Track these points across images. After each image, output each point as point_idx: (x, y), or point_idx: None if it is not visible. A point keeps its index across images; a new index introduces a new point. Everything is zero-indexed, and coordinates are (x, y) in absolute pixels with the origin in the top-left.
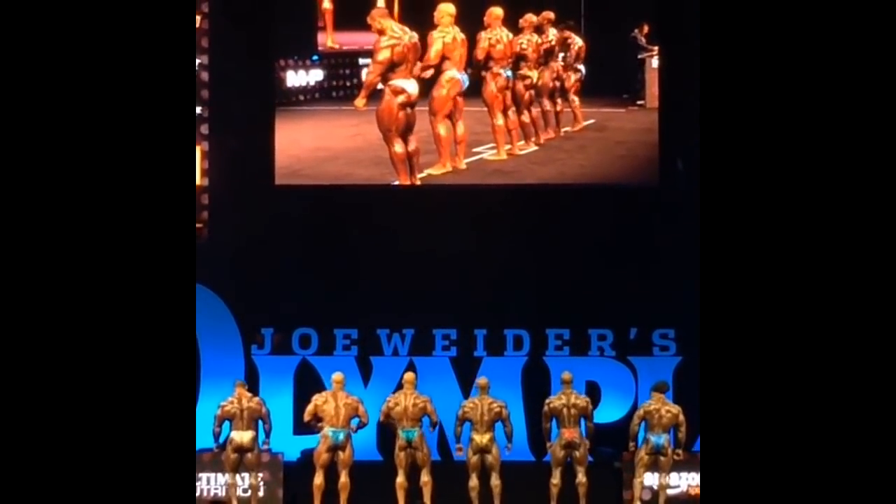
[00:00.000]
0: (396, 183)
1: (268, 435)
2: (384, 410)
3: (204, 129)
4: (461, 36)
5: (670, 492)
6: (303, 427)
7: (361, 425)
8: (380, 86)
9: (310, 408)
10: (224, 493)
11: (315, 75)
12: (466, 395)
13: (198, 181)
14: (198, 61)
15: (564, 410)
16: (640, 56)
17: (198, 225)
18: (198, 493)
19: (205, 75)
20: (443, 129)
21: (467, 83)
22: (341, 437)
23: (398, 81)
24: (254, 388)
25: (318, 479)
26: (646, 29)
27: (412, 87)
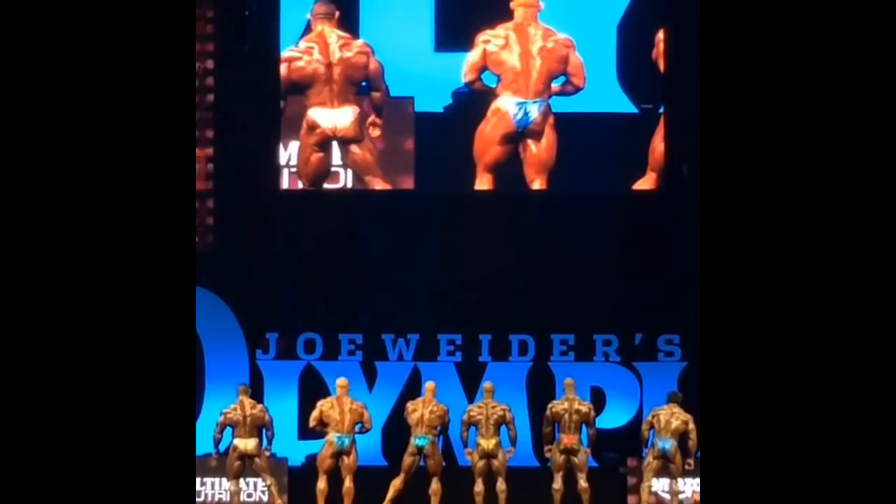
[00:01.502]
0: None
1: (270, 442)
2: (404, 415)
3: (209, 133)
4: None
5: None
6: (307, 432)
7: (364, 431)
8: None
9: (315, 413)
10: (228, 499)
11: None
12: (472, 400)
13: (205, 186)
14: (205, 65)
15: (566, 416)
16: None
17: (203, 230)
18: (202, 499)
19: (211, 80)
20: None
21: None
22: (346, 442)
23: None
24: (258, 393)
25: (322, 483)
26: None
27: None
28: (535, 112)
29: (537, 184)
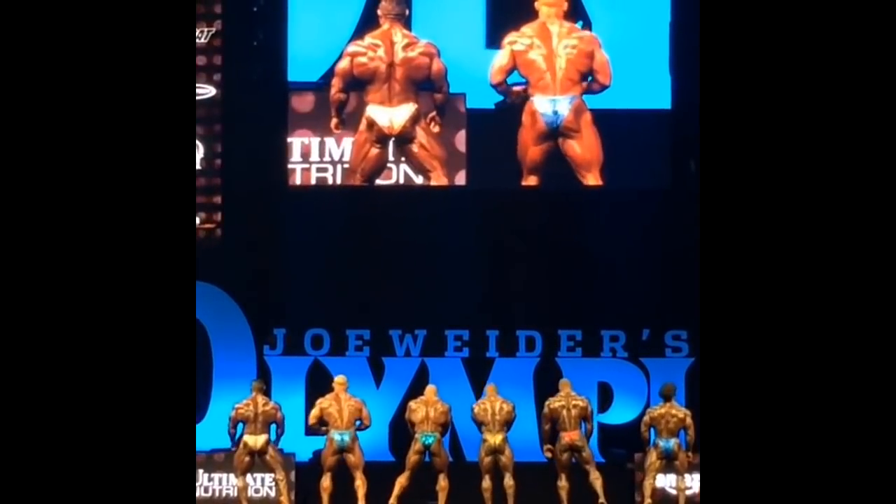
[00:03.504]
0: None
1: (278, 438)
2: (406, 415)
3: (217, 128)
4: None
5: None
6: (310, 428)
7: (363, 427)
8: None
9: (315, 412)
10: (235, 495)
11: None
12: (479, 396)
13: (213, 181)
14: (213, 61)
15: (564, 412)
16: None
17: (211, 225)
18: (210, 495)
19: (218, 75)
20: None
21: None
22: (346, 439)
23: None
24: (266, 389)
25: (326, 481)
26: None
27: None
28: (565, 109)
29: (591, 180)
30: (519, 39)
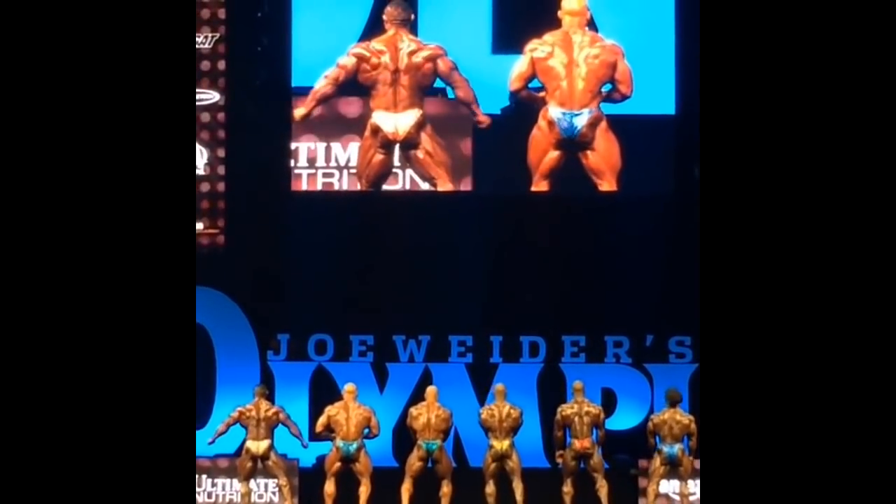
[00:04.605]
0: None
1: (299, 436)
2: (407, 422)
3: (221, 134)
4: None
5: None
6: (317, 435)
7: (371, 436)
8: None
9: (322, 419)
10: (238, 500)
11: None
12: (482, 401)
13: (217, 187)
14: (217, 66)
15: (577, 419)
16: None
17: (215, 231)
18: (213, 500)
19: (222, 80)
20: None
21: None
22: (352, 449)
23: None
24: (269, 394)
25: (330, 487)
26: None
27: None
28: (581, 122)
29: (606, 186)
30: (540, 46)
